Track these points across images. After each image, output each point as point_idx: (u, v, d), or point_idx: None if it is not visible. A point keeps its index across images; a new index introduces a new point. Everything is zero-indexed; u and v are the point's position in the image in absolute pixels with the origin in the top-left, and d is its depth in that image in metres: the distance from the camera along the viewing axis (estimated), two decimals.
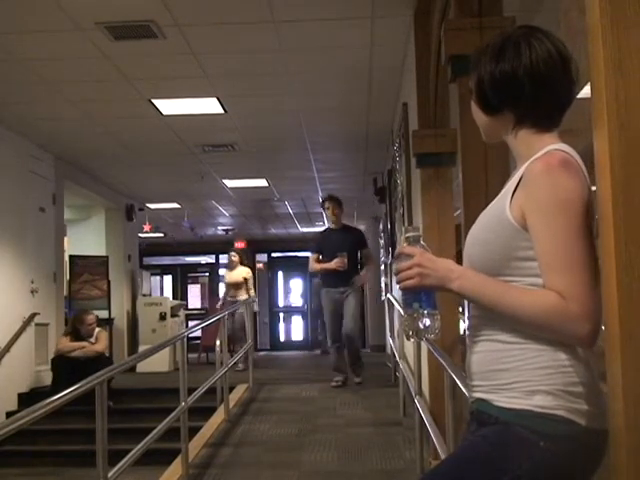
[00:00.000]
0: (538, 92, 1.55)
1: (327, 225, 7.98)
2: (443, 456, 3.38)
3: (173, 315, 11.49)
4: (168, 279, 20.44)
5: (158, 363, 9.36)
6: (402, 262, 1.57)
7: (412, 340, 1.84)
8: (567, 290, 1.41)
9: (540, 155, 1.50)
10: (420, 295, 1.56)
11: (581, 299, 1.40)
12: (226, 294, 10.53)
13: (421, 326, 1.56)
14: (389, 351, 9.46)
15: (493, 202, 1.62)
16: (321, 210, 14.88)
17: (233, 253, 10.64)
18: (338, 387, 7.61)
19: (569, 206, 1.43)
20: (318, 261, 7.61)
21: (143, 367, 9.39)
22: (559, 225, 1.43)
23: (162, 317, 11.19)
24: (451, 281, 1.52)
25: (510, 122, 1.60)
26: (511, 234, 1.50)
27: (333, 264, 7.35)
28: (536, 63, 1.54)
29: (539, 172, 1.47)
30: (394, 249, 8.33)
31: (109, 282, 10.99)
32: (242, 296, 10.04)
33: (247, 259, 11.18)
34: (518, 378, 1.50)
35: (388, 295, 8.86)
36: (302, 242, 17.30)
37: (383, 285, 12.36)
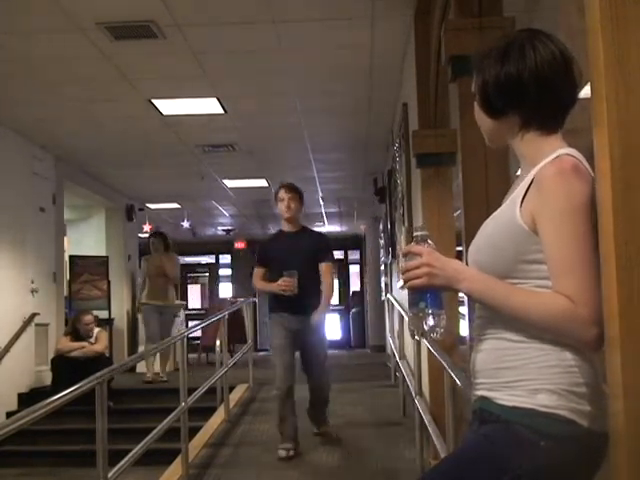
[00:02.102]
0: (543, 94, 1.56)
1: (281, 227, 5.60)
2: (443, 456, 3.38)
3: (173, 315, 11.48)
4: None
5: (158, 363, 9.35)
6: (410, 261, 1.57)
7: (417, 339, 1.84)
8: (577, 294, 1.42)
9: (551, 160, 1.51)
10: (426, 294, 1.56)
11: (590, 303, 1.41)
12: (142, 288, 9.02)
13: (427, 325, 1.57)
14: (389, 351, 9.47)
15: (501, 208, 1.62)
16: (321, 210, 14.96)
17: (155, 240, 9.01)
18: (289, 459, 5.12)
19: (581, 212, 1.44)
20: (264, 277, 5.41)
21: (143, 367, 9.39)
22: (571, 230, 1.44)
23: None
24: (459, 282, 1.53)
25: (515, 125, 1.61)
26: (521, 238, 1.51)
27: (276, 286, 5.16)
28: (541, 65, 1.55)
29: (552, 178, 1.48)
30: (394, 249, 8.33)
31: (109, 282, 10.98)
32: (174, 293, 9.02)
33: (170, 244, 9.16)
34: (523, 376, 1.50)
35: (388, 295, 8.87)
36: None
37: (383, 285, 12.37)
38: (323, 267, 5.35)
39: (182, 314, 11.35)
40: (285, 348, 5.25)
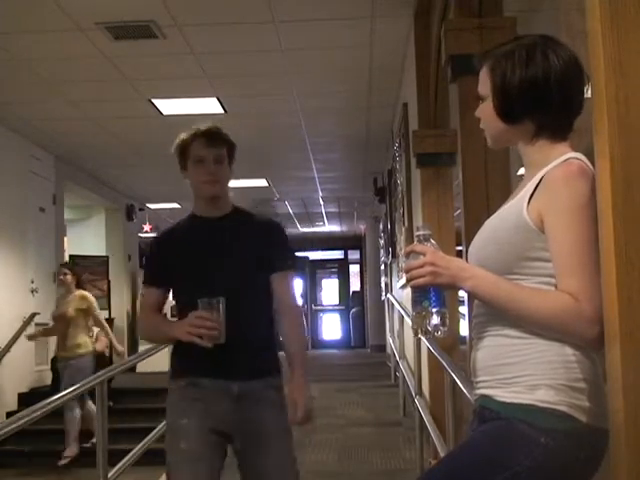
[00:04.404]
0: (565, 99, 1.57)
1: (193, 210, 2.86)
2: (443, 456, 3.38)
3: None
4: None
5: (158, 363, 9.36)
6: (413, 260, 1.57)
7: (420, 338, 1.84)
8: (581, 292, 1.43)
9: (559, 163, 1.53)
10: (430, 293, 1.56)
11: (594, 301, 1.41)
12: (49, 332, 6.99)
13: (430, 324, 1.57)
14: (389, 351, 9.47)
15: (505, 206, 1.64)
16: (321, 210, 14.95)
17: (64, 270, 6.87)
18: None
19: (587, 212, 1.45)
20: (158, 308, 2.89)
21: (143, 367, 9.39)
22: (577, 230, 1.46)
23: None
24: (464, 280, 1.53)
25: (528, 132, 1.60)
26: (527, 235, 1.52)
27: (184, 329, 2.54)
28: (566, 70, 1.56)
29: (560, 179, 1.50)
30: (394, 249, 8.33)
31: (109, 282, 11.00)
32: (79, 341, 6.64)
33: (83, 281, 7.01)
34: (522, 372, 1.51)
35: (388, 295, 8.87)
36: (302, 242, 17.31)
37: (383, 285, 12.37)
38: (281, 281, 2.68)
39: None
40: (200, 457, 2.54)
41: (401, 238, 6.93)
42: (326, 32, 5.62)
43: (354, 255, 19.07)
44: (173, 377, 2.72)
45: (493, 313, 1.57)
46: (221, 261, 2.64)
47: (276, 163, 10.24)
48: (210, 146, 2.74)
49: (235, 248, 2.68)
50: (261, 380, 2.59)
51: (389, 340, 9.14)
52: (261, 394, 2.57)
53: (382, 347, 13.31)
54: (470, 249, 1.68)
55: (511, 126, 1.61)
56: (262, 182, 11.43)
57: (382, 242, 11.80)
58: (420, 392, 4.79)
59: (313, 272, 19.06)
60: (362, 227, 16.59)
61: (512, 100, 1.58)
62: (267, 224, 2.83)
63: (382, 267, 12.39)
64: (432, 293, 1.56)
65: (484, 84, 1.64)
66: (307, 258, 18.64)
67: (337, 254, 19.47)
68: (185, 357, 2.67)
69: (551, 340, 1.49)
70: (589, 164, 1.52)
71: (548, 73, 1.55)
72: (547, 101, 1.56)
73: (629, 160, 1.27)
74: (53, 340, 8.67)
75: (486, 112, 1.65)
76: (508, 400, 1.51)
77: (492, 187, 3.08)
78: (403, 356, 6.54)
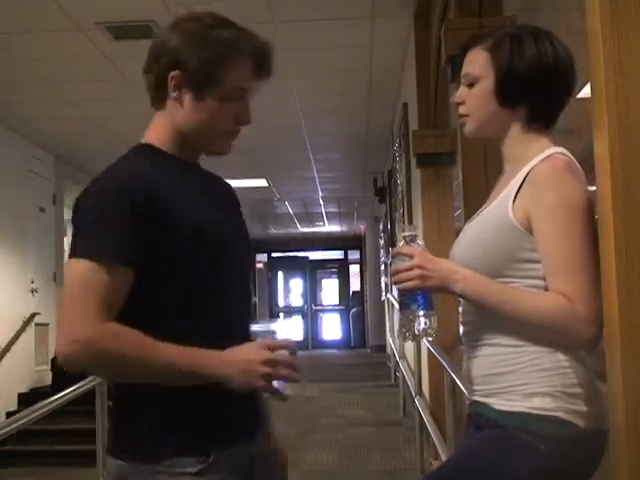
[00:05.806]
0: (568, 88, 1.56)
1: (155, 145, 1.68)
2: (443, 456, 3.39)
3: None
4: None
5: None
6: (400, 262, 1.53)
7: (409, 341, 1.82)
8: (574, 292, 1.41)
9: (544, 158, 1.49)
10: (418, 296, 1.53)
11: (587, 301, 1.40)
12: None
13: (418, 328, 1.54)
14: (389, 351, 9.48)
15: (488, 208, 1.60)
16: (321, 210, 14.92)
17: None
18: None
19: (576, 209, 1.43)
20: (116, 312, 1.37)
21: None
22: (566, 228, 1.43)
23: None
24: (454, 283, 1.50)
25: (520, 119, 1.57)
26: (514, 236, 1.49)
27: (257, 369, 1.36)
28: (569, 59, 1.56)
29: (546, 175, 1.47)
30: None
31: None
32: None
33: None
34: (517, 381, 1.49)
35: (388, 295, 8.87)
36: (302, 242, 17.33)
37: (383, 285, 12.37)
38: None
39: None
40: None
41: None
42: (326, 32, 5.61)
43: (354, 255, 19.07)
44: (182, 454, 1.41)
45: (481, 321, 1.54)
46: (235, 238, 1.69)
47: (276, 163, 10.24)
48: (264, 81, 1.72)
49: (236, 218, 1.81)
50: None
51: (389, 340, 9.15)
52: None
53: (382, 347, 13.31)
54: (453, 251, 1.63)
55: (505, 109, 1.56)
56: (262, 182, 11.42)
57: (382, 242, 11.80)
58: (420, 392, 4.79)
59: (313, 272, 19.08)
60: (362, 227, 16.59)
61: (518, 81, 1.53)
62: (230, 187, 1.92)
63: (382, 267, 12.39)
64: (420, 296, 1.53)
65: (477, 64, 1.58)
66: (307, 258, 18.66)
67: (337, 254, 19.47)
68: (218, 411, 1.45)
69: (543, 347, 1.47)
70: (574, 159, 1.50)
71: (556, 59, 1.53)
72: (553, 87, 1.54)
73: (629, 160, 1.27)
74: (53, 340, 8.69)
75: (478, 93, 1.58)
76: (505, 408, 1.50)
77: (492, 187, 3.08)
78: (403, 356, 6.54)
